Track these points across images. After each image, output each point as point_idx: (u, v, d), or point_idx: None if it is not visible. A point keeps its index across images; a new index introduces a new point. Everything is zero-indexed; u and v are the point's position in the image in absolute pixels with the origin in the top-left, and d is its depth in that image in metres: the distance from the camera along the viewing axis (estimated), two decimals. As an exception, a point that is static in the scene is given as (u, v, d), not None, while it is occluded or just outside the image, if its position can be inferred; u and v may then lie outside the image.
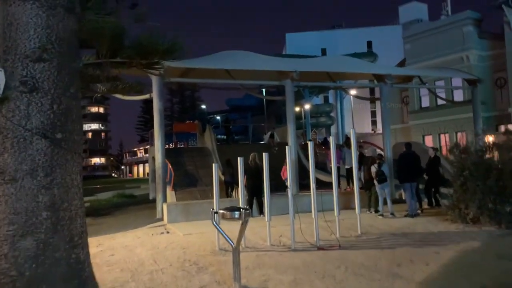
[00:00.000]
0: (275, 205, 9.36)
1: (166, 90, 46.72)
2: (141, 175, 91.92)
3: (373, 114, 55.80)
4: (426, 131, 36.19)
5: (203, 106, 61.09)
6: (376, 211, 10.79)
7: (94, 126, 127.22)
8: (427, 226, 9.27)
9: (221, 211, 5.04)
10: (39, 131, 4.14)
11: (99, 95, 5.67)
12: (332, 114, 50.33)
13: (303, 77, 13.38)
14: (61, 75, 4.36)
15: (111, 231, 10.35)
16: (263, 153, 7.85)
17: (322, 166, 16.54)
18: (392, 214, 10.45)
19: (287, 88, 12.50)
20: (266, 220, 7.72)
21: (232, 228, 5.81)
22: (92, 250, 5.90)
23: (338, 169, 12.72)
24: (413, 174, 10.65)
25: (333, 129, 51.62)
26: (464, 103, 32.41)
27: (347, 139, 26.89)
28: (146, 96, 11.73)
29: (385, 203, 10.51)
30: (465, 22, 33.60)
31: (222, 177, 17.16)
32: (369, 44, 55.62)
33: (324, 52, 52.67)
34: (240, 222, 4.86)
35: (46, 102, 4.27)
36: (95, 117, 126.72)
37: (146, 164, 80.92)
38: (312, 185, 7.70)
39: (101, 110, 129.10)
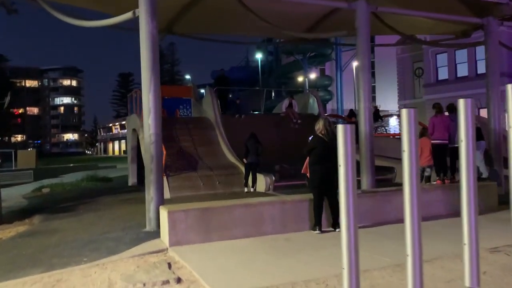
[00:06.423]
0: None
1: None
2: (116, 152, 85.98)
3: (372, 89, 51.45)
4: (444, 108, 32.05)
5: (188, 77, 55.60)
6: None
7: (67, 100, 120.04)
8: None
9: None
10: None
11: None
12: (330, 89, 45.93)
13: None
14: None
15: (63, 257, 5.55)
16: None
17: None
18: None
19: (360, 14, 7.74)
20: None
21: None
22: None
23: (445, 148, 8.12)
24: None
25: (329, 105, 47.12)
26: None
27: (351, 112, 21.45)
28: (129, 16, 6.78)
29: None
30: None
31: (232, 158, 12.64)
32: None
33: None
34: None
35: None
36: (68, 91, 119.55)
37: (123, 141, 75.03)
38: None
39: (74, 83, 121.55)
